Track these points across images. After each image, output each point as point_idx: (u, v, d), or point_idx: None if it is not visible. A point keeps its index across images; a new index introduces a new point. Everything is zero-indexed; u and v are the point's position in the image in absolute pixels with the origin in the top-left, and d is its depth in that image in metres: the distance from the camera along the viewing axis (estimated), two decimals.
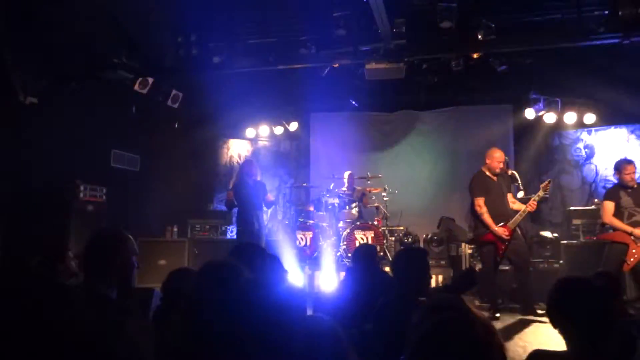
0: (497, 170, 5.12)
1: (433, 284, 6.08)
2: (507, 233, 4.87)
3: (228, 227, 7.52)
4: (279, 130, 8.53)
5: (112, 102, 6.37)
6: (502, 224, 4.93)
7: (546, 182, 5.04)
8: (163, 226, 7.35)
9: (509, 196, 5.22)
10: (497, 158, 5.13)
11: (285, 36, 6.38)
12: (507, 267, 5.48)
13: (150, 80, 6.07)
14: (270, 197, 6.29)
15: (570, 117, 7.44)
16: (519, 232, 5.07)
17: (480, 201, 5.05)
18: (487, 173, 5.18)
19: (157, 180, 7.62)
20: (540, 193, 4.94)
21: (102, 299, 1.85)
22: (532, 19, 5.86)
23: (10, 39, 3.80)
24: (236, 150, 8.91)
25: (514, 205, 5.14)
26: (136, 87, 6.03)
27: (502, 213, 4.99)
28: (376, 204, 7.24)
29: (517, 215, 4.91)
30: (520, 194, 5.43)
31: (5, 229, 5.26)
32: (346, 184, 7.30)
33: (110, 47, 4.91)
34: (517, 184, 5.27)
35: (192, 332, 1.51)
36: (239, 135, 8.78)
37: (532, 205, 4.88)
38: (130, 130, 7.08)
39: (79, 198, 5.68)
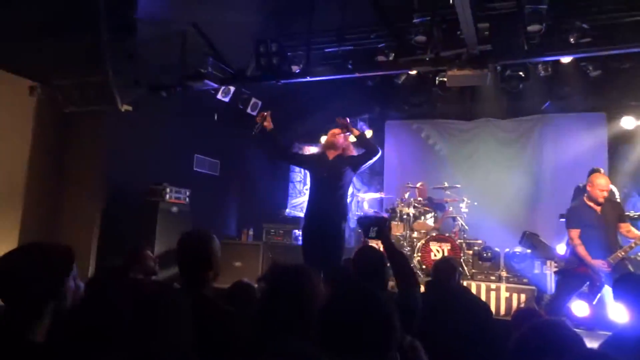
0: (600, 200, 4.49)
1: (515, 303, 5.74)
2: (606, 266, 4.35)
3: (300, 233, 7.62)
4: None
5: (196, 109, 6.71)
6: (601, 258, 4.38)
7: None
8: (239, 229, 7.60)
9: (623, 226, 4.54)
10: (599, 185, 4.48)
11: (362, 43, 6.39)
12: None
13: (232, 88, 6.33)
14: None
15: None
16: (628, 266, 4.41)
17: (573, 234, 4.54)
18: (589, 203, 4.56)
19: (235, 185, 7.93)
20: None
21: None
22: (631, 19, 5.39)
23: (112, 51, 4.13)
24: None
25: (629, 234, 4.48)
26: (219, 95, 6.31)
27: (602, 247, 4.41)
28: (453, 215, 6.98)
29: (621, 250, 4.32)
30: None
31: (100, 227, 5.71)
32: (418, 195, 7.11)
33: (197, 59, 5.17)
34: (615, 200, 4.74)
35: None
36: (314, 141, 8.88)
37: None
38: (211, 136, 7.41)
39: (165, 200, 6.01)
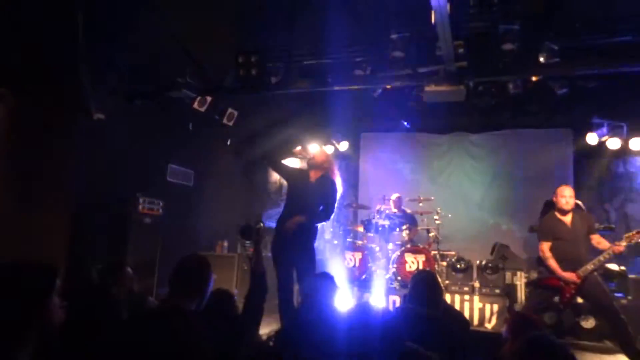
0: (566, 208, 4.68)
1: (488, 313, 5.86)
2: (574, 278, 4.50)
3: None
4: (329, 149, 8.56)
5: (170, 119, 6.61)
6: (572, 270, 4.53)
7: (634, 232, 4.45)
8: (214, 241, 7.49)
9: (594, 237, 4.70)
10: (561, 193, 4.71)
11: (341, 57, 6.45)
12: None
13: (209, 99, 6.27)
14: None
15: (636, 143, 7.06)
16: (598, 278, 4.56)
17: (544, 246, 4.70)
18: (558, 215, 4.75)
19: (209, 195, 7.82)
20: (624, 242, 4.41)
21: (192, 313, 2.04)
22: (599, 42, 5.65)
23: (89, 59, 4.04)
24: None
25: (599, 245, 4.63)
26: (195, 105, 6.23)
27: (573, 259, 4.57)
28: (427, 227, 7.08)
29: (590, 263, 4.47)
30: None
31: (71, 238, 5.52)
32: (392, 206, 7.20)
33: (175, 68, 5.12)
34: None
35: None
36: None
37: (617, 249, 4.40)
38: (186, 146, 7.31)
39: (138, 211, 5.88)
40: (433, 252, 6.61)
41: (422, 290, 3.01)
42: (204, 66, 5.38)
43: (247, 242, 3.12)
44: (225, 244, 7.39)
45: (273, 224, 8.06)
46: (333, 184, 4.56)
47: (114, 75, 4.44)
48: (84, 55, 4.19)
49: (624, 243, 4.42)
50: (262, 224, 3.09)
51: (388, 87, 7.16)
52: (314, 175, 4.59)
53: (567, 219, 4.71)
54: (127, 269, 3.40)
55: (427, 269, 6.17)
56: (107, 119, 5.36)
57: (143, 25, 4.53)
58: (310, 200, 4.50)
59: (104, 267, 3.61)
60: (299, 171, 4.91)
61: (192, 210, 7.60)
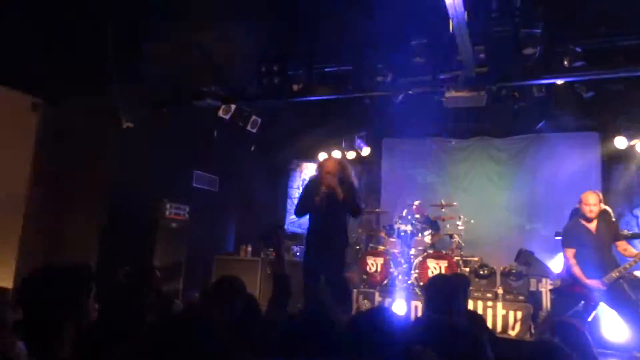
0: (590, 216, 4.61)
1: (511, 320, 5.79)
2: (599, 286, 4.44)
3: (299, 248, 7.65)
4: (351, 155, 8.61)
5: (196, 125, 6.79)
6: (596, 277, 4.48)
7: None
8: (238, 245, 7.63)
9: (620, 244, 4.64)
10: (585, 201, 4.63)
11: (362, 64, 6.51)
12: None
13: (233, 106, 6.42)
14: None
15: None
16: (624, 285, 4.48)
17: (569, 253, 4.65)
18: (583, 222, 4.69)
19: (234, 201, 7.97)
20: None
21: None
22: (622, 44, 5.55)
23: (118, 70, 4.22)
24: (309, 173, 9.09)
25: (626, 252, 4.56)
26: (220, 112, 6.40)
27: (597, 266, 4.50)
28: (450, 232, 7.05)
29: (615, 271, 4.41)
30: None
31: (101, 243, 5.72)
32: (415, 212, 7.19)
33: (200, 78, 5.28)
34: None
35: None
36: (312, 159, 8.97)
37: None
38: (211, 153, 7.48)
39: (165, 216, 6.05)
40: (456, 258, 6.57)
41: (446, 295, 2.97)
42: (228, 75, 5.52)
43: (269, 248, 3.15)
44: (249, 248, 7.51)
45: (296, 229, 8.16)
46: (351, 185, 4.77)
47: (141, 85, 4.62)
48: (113, 66, 4.36)
49: None
50: (281, 230, 3.15)
51: (409, 92, 7.22)
52: (330, 183, 4.69)
53: (592, 225, 4.64)
54: (155, 272, 3.53)
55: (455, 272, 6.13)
56: (135, 128, 5.55)
57: (169, 35, 4.70)
58: (335, 209, 4.74)
59: (133, 270, 3.74)
60: (314, 189, 4.93)
61: (217, 215, 7.76)
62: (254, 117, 7.02)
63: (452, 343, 1.90)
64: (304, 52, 5.96)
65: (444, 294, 2.89)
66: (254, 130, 7.07)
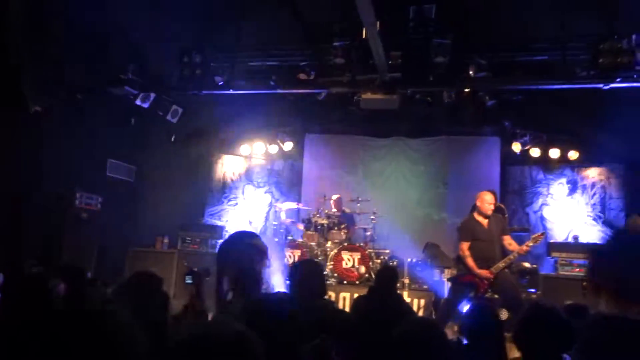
0: (488, 213, 5.15)
1: (415, 307, 6.26)
2: (489, 275, 4.98)
3: (217, 241, 7.65)
4: (273, 148, 8.72)
5: (112, 113, 6.53)
6: (486, 267, 5.01)
7: (539, 234, 5.10)
8: (154, 237, 7.46)
9: (505, 238, 5.20)
10: (487, 200, 5.17)
11: (286, 60, 6.65)
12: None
13: (152, 95, 6.27)
14: None
15: (554, 153, 7.74)
16: (508, 274, 5.06)
17: (463, 245, 5.15)
18: (477, 218, 5.22)
19: (150, 192, 7.76)
20: (530, 243, 5.01)
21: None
22: (521, 59, 6.20)
23: (26, 51, 3.99)
24: (230, 166, 9.08)
25: (510, 246, 5.13)
26: (138, 100, 6.21)
27: (488, 257, 5.04)
28: (364, 226, 7.42)
29: (502, 261, 4.98)
30: None
31: (5, 231, 5.36)
32: (333, 206, 7.48)
33: (118, 64, 5.11)
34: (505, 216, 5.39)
35: None
36: (233, 151, 8.96)
37: (522, 249, 4.98)
38: (127, 142, 7.23)
39: (74, 205, 5.80)
40: (368, 250, 6.94)
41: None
42: (148, 61, 5.39)
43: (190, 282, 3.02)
44: (166, 240, 7.39)
45: (215, 220, 8.09)
46: None
47: (52, 68, 4.38)
48: (21, 48, 4.12)
49: (530, 244, 5.00)
50: (206, 273, 3.09)
51: (334, 91, 7.48)
52: None
53: (485, 221, 5.17)
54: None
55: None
56: (44, 113, 5.26)
57: (87, 17, 4.49)
58: None
59: (38, 262, 3.62)
60: None
61: (133, 206, 7.53)
62: (174, 107, 6.87)
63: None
64: (228, 45, 5.97)
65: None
66: (175, 120, 6.93)
